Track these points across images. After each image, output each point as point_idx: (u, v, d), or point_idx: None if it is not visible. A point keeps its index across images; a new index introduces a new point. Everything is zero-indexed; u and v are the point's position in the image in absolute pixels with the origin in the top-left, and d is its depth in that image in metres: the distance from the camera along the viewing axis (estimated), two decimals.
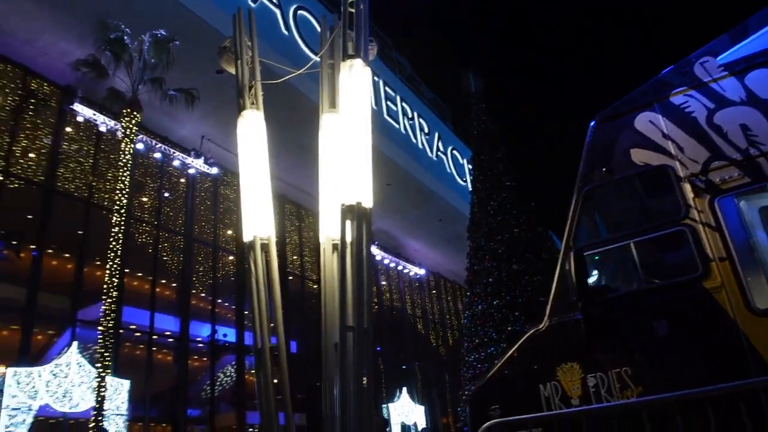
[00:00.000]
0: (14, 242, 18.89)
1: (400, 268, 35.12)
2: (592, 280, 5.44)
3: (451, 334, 39.17)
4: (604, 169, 5.47)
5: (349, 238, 3.94)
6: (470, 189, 22.52)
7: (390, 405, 28.12)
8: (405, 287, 35.90)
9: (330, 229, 4.18)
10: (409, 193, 28.55)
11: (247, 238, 4.33)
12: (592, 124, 5.74)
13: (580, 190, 5.40)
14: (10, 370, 14.99)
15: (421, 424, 30.21)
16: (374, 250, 30.35)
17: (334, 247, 4.09)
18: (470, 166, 25.59)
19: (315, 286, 28.08)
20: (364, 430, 3.56)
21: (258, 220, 4.39)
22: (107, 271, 14.50)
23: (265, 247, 4.32)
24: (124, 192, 15.12)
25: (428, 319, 37.41)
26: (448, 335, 38.86)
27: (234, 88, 5.44)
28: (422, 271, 36.94)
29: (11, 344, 17.69)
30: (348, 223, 3.93)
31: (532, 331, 5.14)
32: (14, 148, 18.29)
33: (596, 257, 5.52)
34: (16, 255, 18.81)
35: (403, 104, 29.88)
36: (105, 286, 14.41)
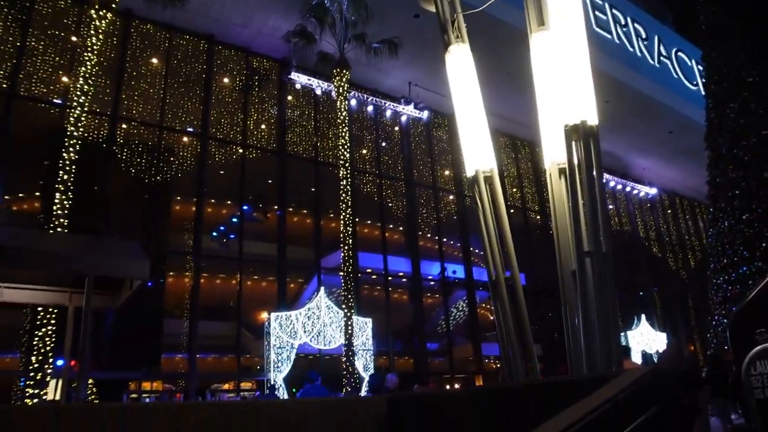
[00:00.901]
0: (260, 205, 21.41)
1: (628, 189, 32.88)
2: None
3: (693, 256, 35.96)
4: None
5: (575, 161, 3.70)
6: (704, 93, 20.01)
7: (628, 333, 26.92)
8: (635, 209, 33.59)
9: (554, 153, 3.96)
10: (631, 107, 26.18)
11: (469, 173, 4.29)
12: None
13: None
14: (273, 315, 17.27)
15: None
16: None
17: (561, 171, 3.87)
18: (701, 67, 22.71)
19: (537, 217, 27.60)
20: (612, 362, 3.40)
21: (478, 153, 4.31)
22: (341, 222, 15.71)
23: (488, 180, 4.24)
24: (345, 147, 16.11)
25: (664, 242, 34.68)
26: (688, 257, 35.74)
27: (432, 29, 5.38)
28: (653, 191, 34.18)
29: (270, 293, 20.31)
30: (573, 144, 3.69)
31: None
32: (248, 122, 20.49)
33: None
34: (265, 216, 21.29)
35: (614, 11, 27.25)
36: (341, 235, 15.65)
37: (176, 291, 20.23)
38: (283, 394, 16.48)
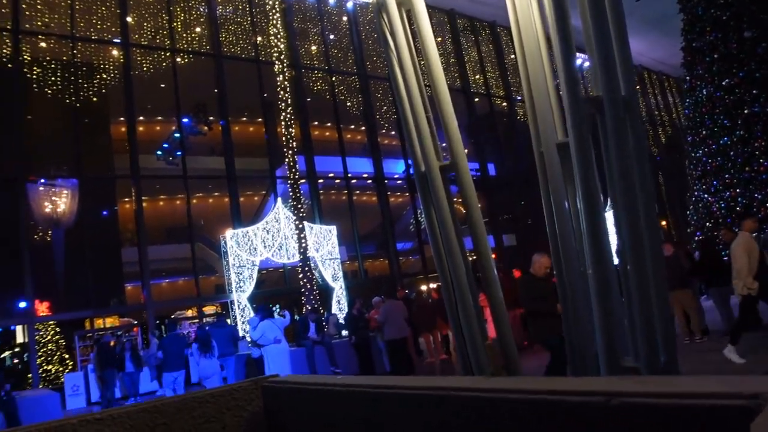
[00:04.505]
0: (203, 117, 19.57)
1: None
2: None
3: (663, 132, 35.05)
4: None
5: None
6: None
7: None
8: None
9: None
10: None
11: None
12: None
13: None
14: (229, 233, 15.85)
15: None
16: None
17: None
18: None
19: (504, 104, 26.05)
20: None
21: None
22: (282, 123, 14.02)
23: (403, 3, 2.64)
24: (279, 38, 14.06)
25: None
26: (659, 133, 34.79)
27: None
28: None
29: (225, 210, 18.84)
30: None
31: None
32: (174, 24, 18.13)
33: None
34: (209, 128, 19.48)
35: None
36: (284, 138, 13.99)
37: (133, 217, 18.74)
38: (249, 312, 15.33)
